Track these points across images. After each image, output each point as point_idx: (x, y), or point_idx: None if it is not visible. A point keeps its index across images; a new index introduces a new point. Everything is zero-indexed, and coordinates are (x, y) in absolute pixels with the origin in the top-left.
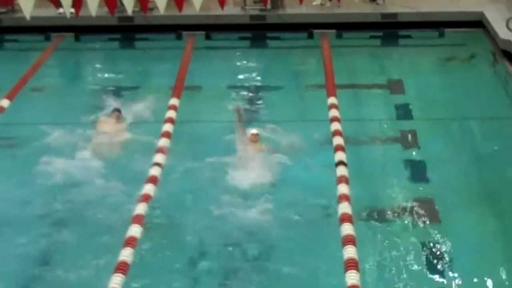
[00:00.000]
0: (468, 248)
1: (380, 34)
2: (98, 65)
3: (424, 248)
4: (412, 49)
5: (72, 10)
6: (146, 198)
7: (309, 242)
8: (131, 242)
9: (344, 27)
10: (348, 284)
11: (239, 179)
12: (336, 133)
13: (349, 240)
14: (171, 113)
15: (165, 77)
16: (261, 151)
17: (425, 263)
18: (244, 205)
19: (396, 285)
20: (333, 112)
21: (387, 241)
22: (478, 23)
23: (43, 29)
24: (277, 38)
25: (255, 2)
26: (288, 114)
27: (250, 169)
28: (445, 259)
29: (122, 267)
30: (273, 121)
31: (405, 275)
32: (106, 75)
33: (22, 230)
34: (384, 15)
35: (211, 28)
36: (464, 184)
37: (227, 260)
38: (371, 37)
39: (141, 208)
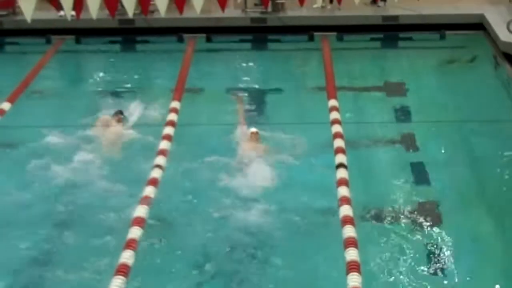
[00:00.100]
0: (469, 250)
1: (381, 36)
2: (99, 68)
3: (425, 250)
4: (413, 51)
5: (73, 12)
6: (146, 200)
7: (310, 244)
8: (131, 244)
9: (345, 29)
10: (350, 286)
11: (240, 181)
12: (337, 135)
13: (351, 243)
14: (172, 116)
15: (166, 79)
16: (261, 150)
17: (426, 265)
18: (245, 207)
19: None
20: (334, 115)
21: (387, 243)
22: (479, 26)
23: (44, 32)
24: (278, 41)
25: (256, 5)
26: (288, 117)
27: (251, 172)
28: (446, 261)
29: (123, 269)
30: (274, 123)
31: (406, 277)
32: (107, 78)
33: (23, 231)
34: (385, 18)
35: (212, 31)
36: (465, 187)
37: (228, 262)
38: (372, 39)
39: (141, 211)
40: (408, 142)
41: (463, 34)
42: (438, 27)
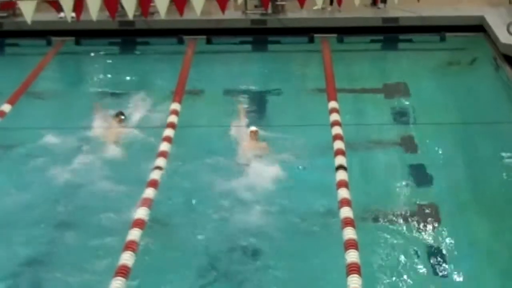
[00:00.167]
0: (469, 251)
1: (381, 38)
2: (99, 69)
3: (425, 252)
4: (413, 53)
5: (73, 14)
6: (146, 202)
7: (311, 246)
8: (131, 245)
9: (345, 31)
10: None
11: (241, 182)
12: (337, 137)
13: (351, 244)
14: (172, 118)
15: (166, 81)
16: (260, 148)
17: (425, 266)
18: (245, 209)
19: None
20: (334, 116)
21: (387, 245)
22: (479, 28)
23: (44, 33)
24: (278, 43)
25: (256, 7)
26: (288, 118)
27: (251, 172)
28: (446, 263)
29: (123, 271)
30: (274, 125)
31: (406, 279)
32: (107, 79)
33: (24, 232)
34: (385, 20)
35: (212, 33)
36: (465, 189)
37: (229, 263)
38: (372, 41)
39: (141, 212)
40: (408, 144)
41: (463, 36)
42: (438, 29)
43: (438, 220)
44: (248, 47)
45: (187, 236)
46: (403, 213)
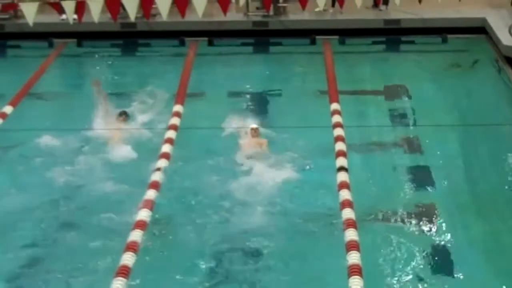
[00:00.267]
0: (471, 252)
1: (383, 40)
2: (101, 71)
3: (426, 253)
4: (415, 55)
5: (75, 16)
6: (148, 203)
7: (313, 247)
8: (132, 246)
9: (347, 33)
10: None
11: (242, 184)
12: (339, 138)
13: (353, 246)
14: (174, 120)
15: (168, 82)
16: (261, 144)
17: (427, 268)
18: (247, 210)
19: None
20: (336, 118)
21: (389, 246)
22: (480, 29)
23: (46, 35)
24: (280, 44)
25: (257, 8)
26: (290, 120)
27: (253, 174)
28: (447, 264)
29: (124, 271)
30: (275, 126)
31: (407, 281)
32: (109, 81)
33: (26, 233)
34: (387, 21)
35: (213, 34)
36: (467, 190)
37: (230, 263)
38: (374, 43)
39: (143, 214)
40: (410, 145)
41: (465, 37)
42: (440, 31)
43: (439, 221)
44: (250, 49)
45: (188, 237)
46: (404, 214)
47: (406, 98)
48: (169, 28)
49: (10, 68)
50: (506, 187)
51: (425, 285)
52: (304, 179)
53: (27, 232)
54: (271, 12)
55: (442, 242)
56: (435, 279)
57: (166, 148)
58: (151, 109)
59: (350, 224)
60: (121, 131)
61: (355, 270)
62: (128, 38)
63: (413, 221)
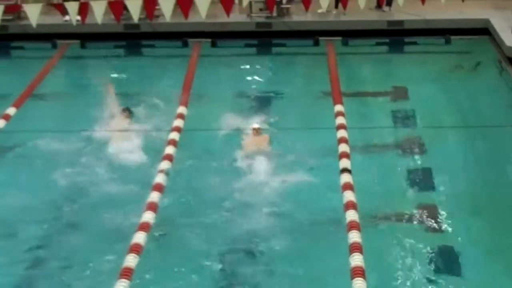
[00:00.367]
0: (474, 254)
1: (386, 41)
2: (104, 72)
3: (429, 255)
4: (418, 56)
5: (78, 17)
6: (152, 205)
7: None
8: (136, 248)
9: (350, 34)
10: None
11: (245, 185)
12: (342, 140)
13: (356, 248)
14: (178, 122)
15: (171, 84)
16: (263, 141)
17: (430, 269)
18: (250, 211)
19: None
20: (339, 120)
21: (392, 248)
22: (484, 31)
23: (49, 37)
24: (283, 46)
25: (261, 10)
26: (293, 121)
27: (256, 176)
28: (451, 266)
29: (127, 273)
30: (279, 128)
31: (410, 282)
32: (112, 82)
33: (28, 233)
34: (390, 23)
35: (217, 36)
36: (470, 192)
37: (233, 265)
38: (377, 44)
39: (147, 216)
40: (413, 147)
41: (468, 39)
42: (443, 32)
43: (441, 222)
44: (253, 50)
45: (192, 238)
46: (407, 215)
47: (409, 100)
48: (172, 29)
49: (13, 69)
50: (509, 189)
51: (428, 286)
52: (307, 180)
53: (30, 232)
54: (274, 13)
55: (445, 243)
56: (438, 280)
57: (169, 149)
58: (154, 110)
59: (353, 226)
60: (124, 132)
61: (358, 272)
62: (131, 39)
63: (416, 222)
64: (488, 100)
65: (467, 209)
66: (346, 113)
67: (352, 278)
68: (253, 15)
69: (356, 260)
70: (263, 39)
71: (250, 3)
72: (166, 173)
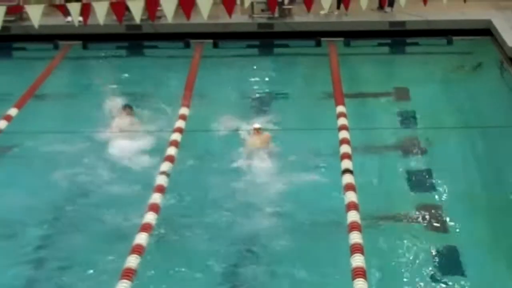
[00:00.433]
0: (476, 254)
1: (388, 42)
2: (106, 73)
3: (431, 256)
4: (420, 57)
5: (80, 18)
6: (154, 206)
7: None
8: (138, 249)
9: (352, 35)
10: None
11: (246, 185)
12: (344, 141)
13: (357, 249)
14: (180, 123)
15: (173, 85)
16: (264, 140)
17: (431, 271)
18: (251, 212)
19: None
20: (341, 121)
21: (394, 248)
22: (486, 31)
23: (51, 37)
24: (285, 46)
25: (262, 10)
26: (295, 122)
27: (258, 177)
28: (452, 266)
29: (128, 273)
30: (281, 128)
31: (411, 283)
32: (114, 83)
33: (30, 234)
34: (392, 23)
35: (219, 36)
36: (472, 193)
37: (235, 266)
38: (379, 45)
39: (149, 217)
40: (415, 147)
41: (470, 39)
42: (445, 33)
43: (443, 223)
44: (255, 51)
45: (194, 239)
46: (408, 216)
47: (411, 100)
48: (174, 30)
49: (15, 70)
50: (510, 189)
51: (429, 286)
52: (309, 181)
53: (32, 233)
54: (276, 14)
55: (446, 243)
56: (439, 280)
57: (171, 151)
58: (156, 111)
59: (355, 226)
60: (126, 133)
61: (359, 272)
62: (134, 40)
63: (417, 223)
64: (490, 100)
65: (468, 209)
66: (348, 114)
67: (353, 278)
68: (255, 16)
69: (357, 260)
70: (265, 40)
71: (252, 4)
72: (167, 174)
